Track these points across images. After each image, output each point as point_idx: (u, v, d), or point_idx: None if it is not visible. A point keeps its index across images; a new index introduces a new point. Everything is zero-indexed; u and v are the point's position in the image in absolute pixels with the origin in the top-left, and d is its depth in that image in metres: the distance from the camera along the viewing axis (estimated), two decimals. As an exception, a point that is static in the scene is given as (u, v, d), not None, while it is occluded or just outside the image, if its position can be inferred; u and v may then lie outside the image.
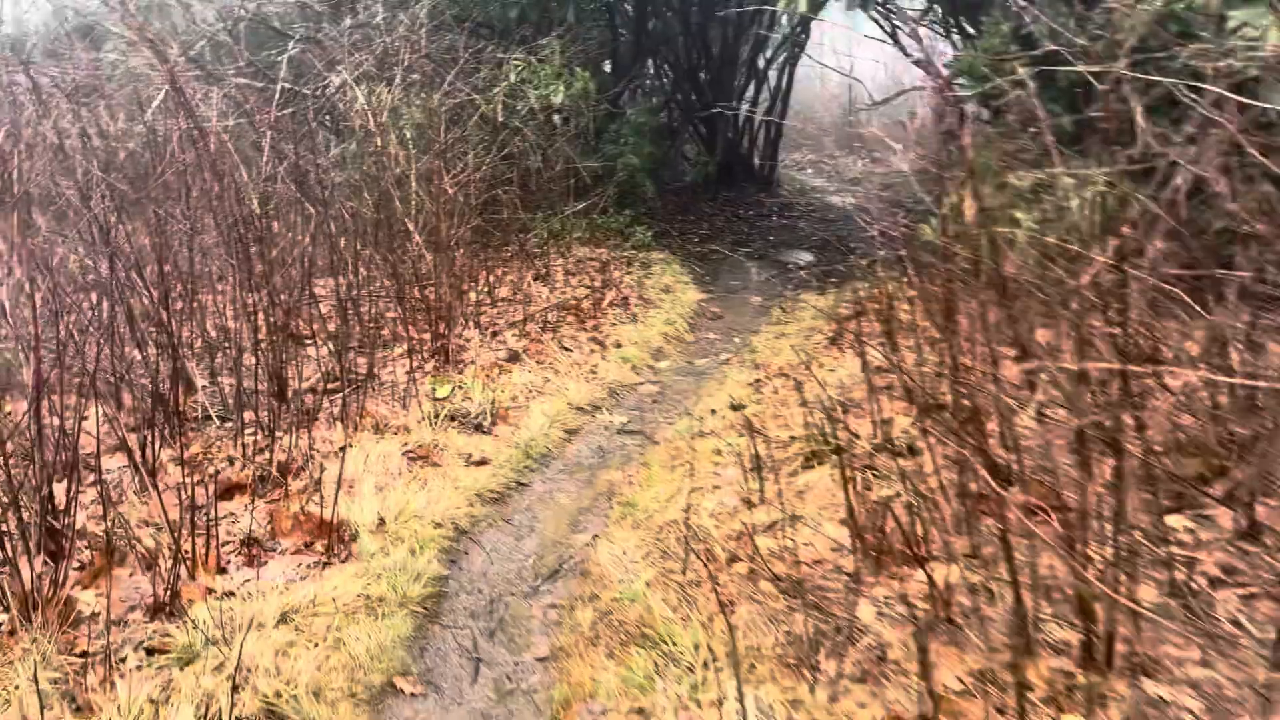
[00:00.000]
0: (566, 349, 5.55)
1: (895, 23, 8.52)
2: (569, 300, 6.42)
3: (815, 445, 3.97)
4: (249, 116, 6.12)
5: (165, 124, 5.58)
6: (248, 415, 4.43)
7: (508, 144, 7.79)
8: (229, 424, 4.50)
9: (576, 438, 4.51)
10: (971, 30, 7.69)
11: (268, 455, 3.97)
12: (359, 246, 5.84)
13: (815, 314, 6.43)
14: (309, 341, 5.48)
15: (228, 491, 3.75)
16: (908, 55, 9.00)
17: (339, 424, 4.39)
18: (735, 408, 4.66)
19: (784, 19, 11.86)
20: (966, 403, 4.24)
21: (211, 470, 3.92)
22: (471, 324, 5.73)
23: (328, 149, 6.93)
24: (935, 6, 7.68)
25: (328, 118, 7.36)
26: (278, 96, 5.68)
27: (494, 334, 5.65)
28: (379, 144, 6.05)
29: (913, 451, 3.94)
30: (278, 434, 4.25)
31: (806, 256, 8.63)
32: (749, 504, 3.61)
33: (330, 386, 4.84)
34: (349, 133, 6.63)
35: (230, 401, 4.60)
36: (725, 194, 10.92)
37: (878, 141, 17.27)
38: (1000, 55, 6.57)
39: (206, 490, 3.70)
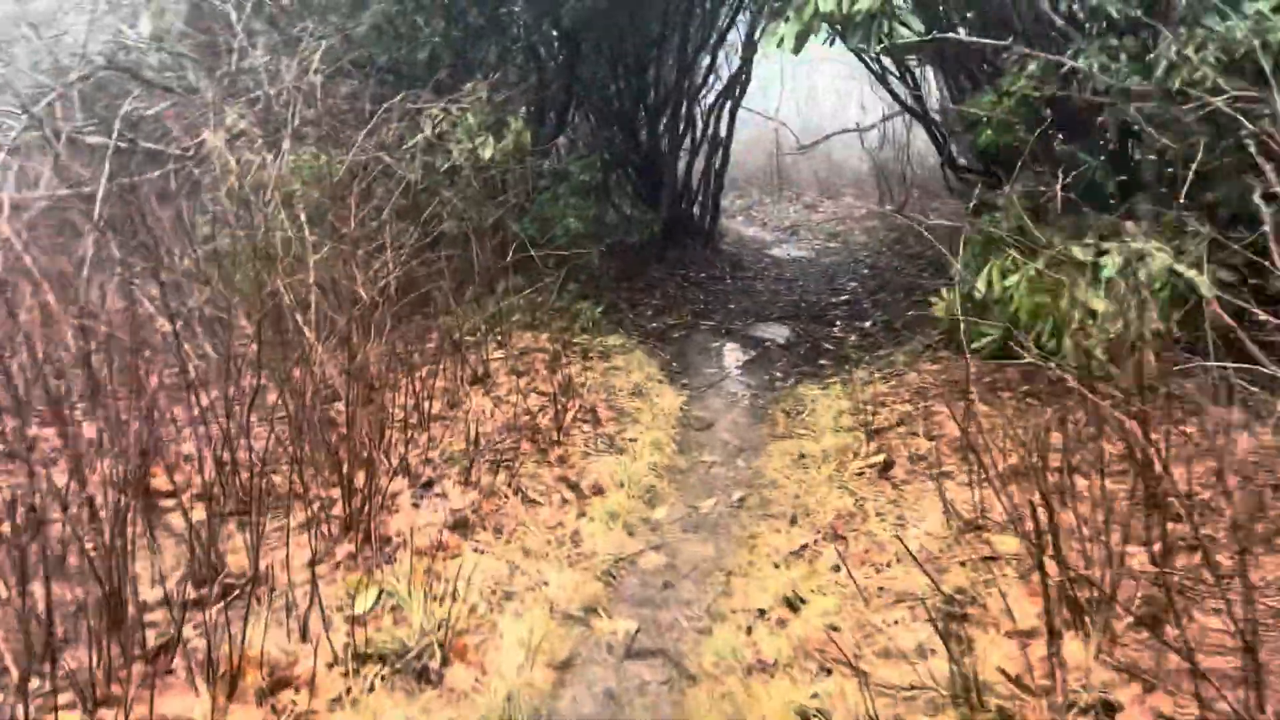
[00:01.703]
0: (532, 501, 3.98)
1: (884, 64, 7.26)
2: (522, 416, 4.85)
3: (959, 708, 2.49)
4: (76, 189, 4.41)
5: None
6: (64, 661, 2.75)
7: (431, 214, 6.25)
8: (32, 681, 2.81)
9: (571, 675, 2.93)
10: (983, 68, 6.42)
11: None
12: (232, 370, 4.21)
13: (833, 418, 5.00)
14: (167, 504, 3.82)
15: None
16: (900, 102, 7.75)
17: (202, 682, 2.74)
18: (793, 605, 3.16)
19: (724, 61, 10.58)
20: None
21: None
22: (398, 467, 4.12)
23: (195, 231, 5.23)
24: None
25: (195, 189, 5.66)
26: (110, 168, 4.00)
27: (429, 483, 4.04)
28: (263, 227, 4.41)
29: (1109, 709, 2.50)
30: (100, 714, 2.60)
31: (782, 331, 7.23)
32: None
33: (194, 597, 3.19)
34: (218, 217, 4.95)
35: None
36: (670, 253, 9.50)
37: (811, 188, 16.16)
38: (1031, 96, 5.30)
39: None
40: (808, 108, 18.85)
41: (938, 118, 7.54)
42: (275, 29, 7.65)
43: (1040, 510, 3.26)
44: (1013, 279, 4.83)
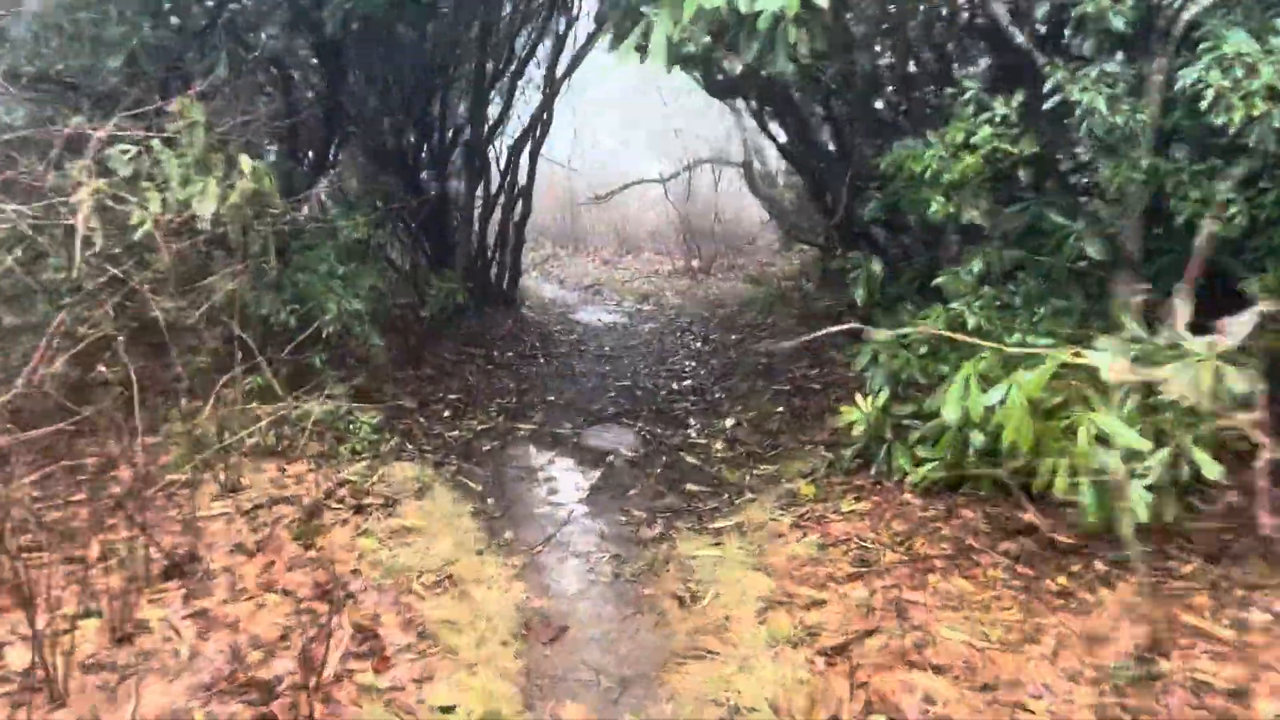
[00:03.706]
0: None
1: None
2: (248, 654, 2.71)
3: None
4: None
5: None
6: None
7: (112, 294, 4.05)
8: None
9: None
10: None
11: None
12: None
13: (755, 614, 3.18)
14: None
15: None
16: (781, 149, 6.12)
17: None
18: None
19: (526, 94, 8.74)
20: None
21: None
22: None
23: None
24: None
25: None
26: None
27: None
28: None
29: None
30: None
31: (625, 437, 5.38)
32: None
33: None
34: None
35: None
36: (468, 324, 7.46)
37: (609, 242, 14.58)
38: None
39: None
40: (591, 155, 17.32)
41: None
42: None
43: None
44: (996, 394, 3.25)
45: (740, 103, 8.91)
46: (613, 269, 13.50)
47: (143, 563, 3.26)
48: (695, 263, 12.60)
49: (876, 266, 4.67)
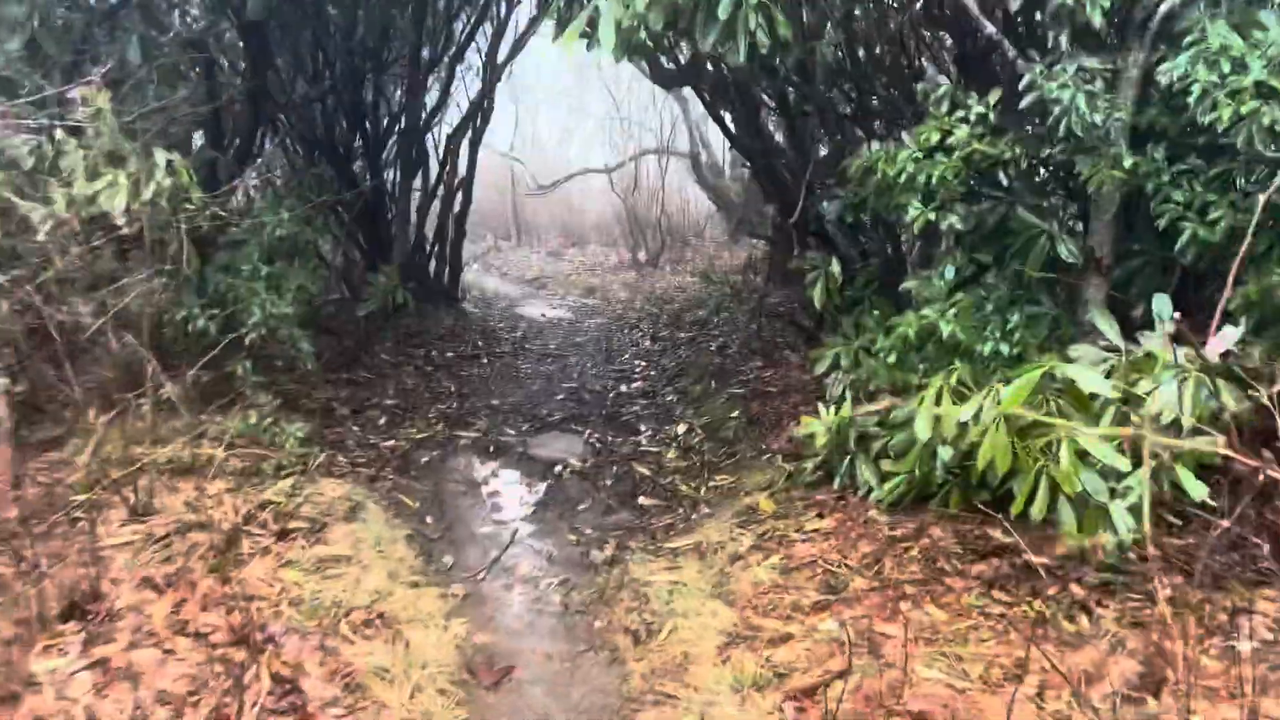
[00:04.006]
0: None
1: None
2: (150, 715, 2.40)
3: None
4: None
5: None
6: None
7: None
8: None
9: None
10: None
11: None
12: None
13: (715, 650, 2.94)
14: None
15: None
16: (735, 143, 5.84)
17: None
18: None
19: (465, 81, 8.39)
20: None
21: None
22: None
23: None
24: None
25: None
26: None
27: None
28: None
29: None
30: None
31: (574, 446, 5.11)
32: None
33: None
34: None
35: None
36: (405, 322, 7.12)
37: (552, 233, 14.28)
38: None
39: None
40: (533, 144, 16.92)
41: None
42: None
43: None
44: (970, 409, 3.05)
45: (687, 92, 8.67)
46: (557, 261, 13.20)
47: (36, 603, 2.92)
48: (642, 255, 12.35)
49: (835, 268, 4.46)
